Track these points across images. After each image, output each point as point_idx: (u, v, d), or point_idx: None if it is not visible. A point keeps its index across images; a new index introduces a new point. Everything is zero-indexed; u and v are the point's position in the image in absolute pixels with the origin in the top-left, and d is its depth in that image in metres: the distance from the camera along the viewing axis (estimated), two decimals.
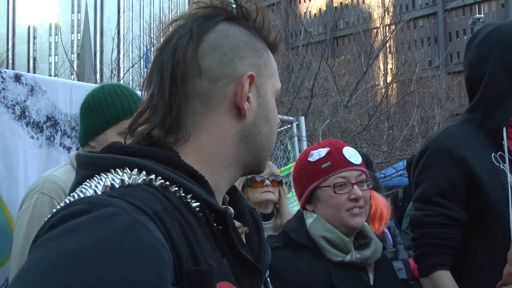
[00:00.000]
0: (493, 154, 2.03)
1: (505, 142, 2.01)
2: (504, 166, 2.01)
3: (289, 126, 5.32)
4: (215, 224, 0.96)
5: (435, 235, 2.02)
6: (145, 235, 0.79)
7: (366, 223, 2.07)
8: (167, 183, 0.92)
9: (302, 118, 5.38)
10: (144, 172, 0.92)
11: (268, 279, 1.19)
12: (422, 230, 2.06)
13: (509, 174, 1.99)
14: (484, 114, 2.10)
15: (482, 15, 22.32)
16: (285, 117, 5.30)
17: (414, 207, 2.13)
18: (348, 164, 1.98)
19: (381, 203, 3.49)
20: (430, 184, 2.06)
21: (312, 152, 2.05)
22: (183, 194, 0.93)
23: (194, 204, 0.93)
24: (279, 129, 5.32)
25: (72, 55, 12.94)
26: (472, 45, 2.18)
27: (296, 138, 5.13)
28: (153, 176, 0.92)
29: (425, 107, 16.20)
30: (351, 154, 2.01)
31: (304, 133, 5.21)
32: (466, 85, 2.21)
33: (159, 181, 0.92)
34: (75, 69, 10.99)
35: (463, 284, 1.98)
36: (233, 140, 1.05)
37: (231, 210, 1.10)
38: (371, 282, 1.96)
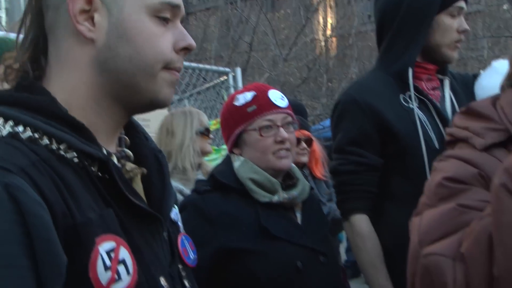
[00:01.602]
0: (401, 95, 2.12)
1: (411, 81, 2.10)
2: (413, 105, 2.09)
3: (226, 78, 5.30)
4: (99, 173, 0.91)
5: (349, 182, 2.12)
6: (22, 200, 0.73)
7: (293, 165, 2.10)
8: (36, 135, 0.85)
9: (239, 70, 5.36)
10: (10, 123, 0.85)
11: (180, 224, 1.16)
12: (338, 178, 2.17)
13: (417, 110, 2.06)
14: (393, 57, 2.17)
15: None
16: (221, 68, 5.26)
17: (332, 157, 2.23)
18: (273, 107, 1.99)
19: (319, 147, 3.58)
20: (343, 135, 2.15)
21: (238, 96, 2.04)
22: (55, 147, 0.86)
23: (69, 155, 0.87)
24: (215, 81, 5.30)
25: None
26: None
27: (232, 89, 5.12)
28: (20, 128, 0.85)
29: (364, 60, 16.46)
30: (277, 97, 2.02)
31: (240, 85, 5.20)
32: (376, 30, 2.27)
33: (27, 134, 0.84)
34: (3, 24, 10.48)
35: (387, 218, 2.08)
36: (92, 69, 0.95)
37: (129, 153, 1.03)
38: (299, 221, 2.01)
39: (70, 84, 0.94)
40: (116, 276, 0.83)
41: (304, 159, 3.45)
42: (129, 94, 0.97)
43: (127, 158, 1.01)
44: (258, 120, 1.98)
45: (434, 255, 1.04)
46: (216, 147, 4.24)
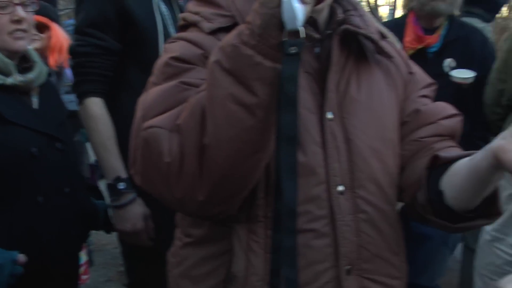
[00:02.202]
0: None
1: None
2: None
3: None
4: None
5: (86, 64, 2.10)
6: None
7: (30, 47, 1.99)
8: None
9: None
10: None
11: None
12: (76, 60, 2.14)
13: (160, 2, 2.12)
14: None
15: None
16: None
17: (73, 38, 2.18)
18: None
19: (62, 36, 3.40)
20: (84, 16, 2.11)
21: None
22: None
23: None
24: None
25: None
26: None
27: None
28: None
29: None
30: None
31: None
32: None
33: None
34: None
35: (121, 108, 2.12)
36: None
37: None
38: (35, 106, 1.94)
39: None
40: None
41: (34, 44, 3.26)
42: None
43: None
44: None
45: (153, 128, 1.10)
46: None
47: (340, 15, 1.31)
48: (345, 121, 1.26)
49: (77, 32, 2.13)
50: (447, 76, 2.71)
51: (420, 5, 2.78)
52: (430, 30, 2.79)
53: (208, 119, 1.03)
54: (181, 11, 2.19)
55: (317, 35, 1.18)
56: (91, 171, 3.73)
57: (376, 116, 1.30)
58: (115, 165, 2.09)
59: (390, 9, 14.89)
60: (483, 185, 1.09)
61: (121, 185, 2.07)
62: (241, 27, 1.03)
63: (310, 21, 1.23)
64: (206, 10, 1.30)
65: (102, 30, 2.08)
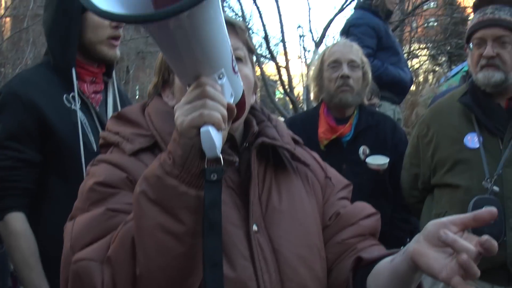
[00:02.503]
0: (65, 95, 2.15)
1: (75, 82, 2.15)
2: (75, 107, 2.14)
3: None
4: None
5: (6, 178, 2.05)
6: None
7: None
8: None
9: None
10: None
11: None
12: None
13: (79, 112, 2.14)
14: (54, 56, 2.20)
15: None
16: None
17: None
18: None
19: None
20: (1, 128, 2.08)
21: None
22: None
23: None
24: None
25: None
26: None
27: None
28: None
29: (40, 45, 15.72)
30: None
31: None
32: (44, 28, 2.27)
33: None
34: None
35: (43, 218, 2.09)
36: None
37: None
38: None
39: None
40: None
41: None
42: None
43: None
44: None
45: (84, 261, 1.10)
46: None
47: (255, 127, 1.39)
48: (270, 232, 1.31)
49: None
50: (363, 163, 2.84)
51: (329, 97, 2.93)
52: (342, 120, 2.93)
53: (138, 249, 1.05)
54: (99, 118, 2.22)
55: (236, 159, 1.24)
56: (12, 280, 3.57)
57: (300, 223, 1.36)
58: (39, 283, 2.02)
59: (304, 88, 15.51)
60: (406, 285, 1.15)
61: None
62: (163, 156, 1.07)
63: (228, 138, 1.29)
64: (126, 129, 1.34)
65: (22, 142, 2.06)
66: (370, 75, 2.99)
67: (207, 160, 1.03)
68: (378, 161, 2.82)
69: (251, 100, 1.40)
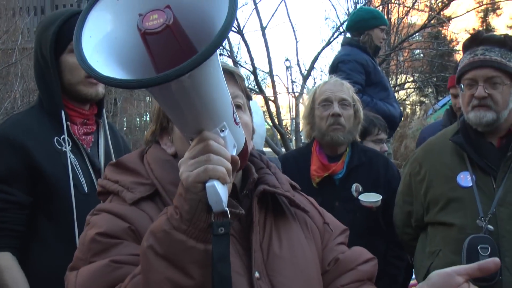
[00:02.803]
0: (56, 138, 2.16)
1: (64, 124, 2.16)
2: (65, 148, 2.15)
3: None
4: None
5: None
6: None
7: None
8: None
9: None
10: None
11: None
12: None
13: (69, 154, 2.14)
14: (43, 99, 2.22)
15: None
16: None
17: None
18: None
19: None
20: None
21: None
22: None
23: None
24: None
25: None
26: None
27: None
28: None
29: (29, 79, 15.70)
30: None
31: None
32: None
33: None
34: None
35: (33, 259, 2.07)
36: None
37: None
38: None
39: None
40: None
41: None
42: None
43: None
44: None
45: None
46: None
47: (254, 174, 1.40)
48: (272, 278, 1.31)
49: None
50: (356, 200, 2.85)
51: (320, 135, 2.95)
52: (334, 157, 2.95)
53: None
54: (90, 159, 2.22)
55: (242, 211, 1.24)
56: None
57: (301, 270, 1.36)
58: None
59: (292, 119, 15.59)
60: None
61: None
62: (170, 211, 1.08)
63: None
64: (125, 178, 1.34)
65: (11, 185, 2.06)
66: (361, 113, 3.02)
67: (213, 214, 1.04)
68: (371, 198, 2.82)
69: (251, 146, 1.42)
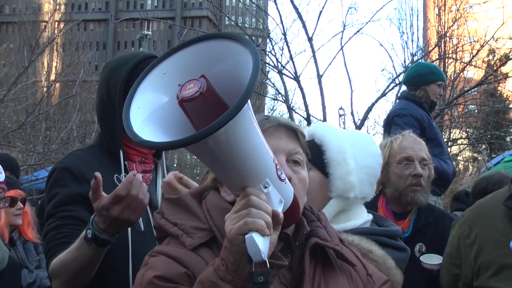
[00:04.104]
0: (116, 175, 2.22)
1: (122, 163, 2.22)
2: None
3: None
4: None
5: (53, 238, 2.06)
6: None
7: None
8: None
9: None
10: None
11: None
12: (46, 239, 2.10)
13: None
14: (104, 139, 2.30)
15: (150, 32, 23.63)
16: None
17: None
18: None
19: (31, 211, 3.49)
20: (54, 200, 2.12)
21: None
22: None
23: None
24: None
25: None
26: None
27: None
28: None
29: (86, 111, 16.26)
30: None
31: None
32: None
33: None
34: None
35: None
36: None
37: None
38: None
39: None
40: None
41: (19, 221, 3.36)
42: None
43: None
44: None
45: None
46: None
47: (306, 226, 1.45)
48: None
49: (48, 216, 2.12)
50: (418, 261, 2.77)
51: (397, 193, 2.88)
52: (401, 215, 2.89)
53: None
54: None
55: (285, 262, 1.27)
56: None
57: None
58: None
59: None
60: None
61: None
62: (217, 262, 1.15)
63: (283, 237, 1.36)
64: (185, 221, 1.39)
65: (73, 205, 2.10)
66: (433, 171, 2.98)
67: (254, 264, 1.11)
68: (433, 260, 2.75)
69: (304, 201, 1.46)
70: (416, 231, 2.83)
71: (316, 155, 2.02)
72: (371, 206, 2.98)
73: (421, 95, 4.57)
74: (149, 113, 1.19)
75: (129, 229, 2.10)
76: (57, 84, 17.98)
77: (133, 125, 1.13)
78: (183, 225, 1.38)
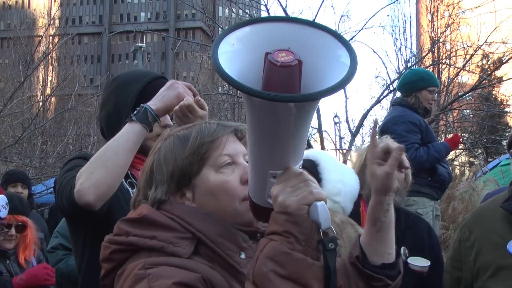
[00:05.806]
0: (124, 181, 2.25)
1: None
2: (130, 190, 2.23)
3: None
4: None
5: None
6: None
7: None
8: None
9: None
10: None
11: None
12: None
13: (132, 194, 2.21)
14: None
15: (144, 44, 23.69)
16: None
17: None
18: None
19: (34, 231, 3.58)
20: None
21: None
22: None
23: None
24: None
25: None
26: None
27: None
28: None
29: (82, 125, 16.27)
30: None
31: None
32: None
33: None
34: None
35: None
36: None
37: None
38: None
39: None
40: None
41: (9, 245, 3.46)
42: None
43: None
44: None
45: None
46: None
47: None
48: None
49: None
50: (405, 264, 2.80)
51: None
52: None
53: None
54: None
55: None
56: None
57: None
58: None
59: None
60: None
61: None
62: (276, 237, 1.16)
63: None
64: (162, 234, 1.33)
65: None
66: (410, 176, 3.02)
67: (322, 232, 1.15)
68: (420, 263, 2.78)
69: None
70: (400, 234, 2.85)
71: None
72: (353, 212, 3.01)
73: (413, 102, 4.59)
74: (234, 55, 1.15)
75: None
76: (53, 98, 18.00)
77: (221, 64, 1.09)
78: (164, 237, 1.33)
